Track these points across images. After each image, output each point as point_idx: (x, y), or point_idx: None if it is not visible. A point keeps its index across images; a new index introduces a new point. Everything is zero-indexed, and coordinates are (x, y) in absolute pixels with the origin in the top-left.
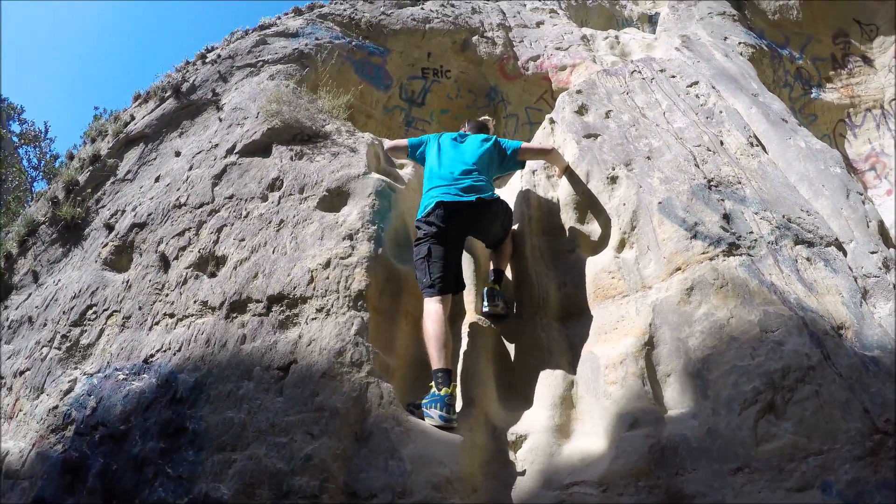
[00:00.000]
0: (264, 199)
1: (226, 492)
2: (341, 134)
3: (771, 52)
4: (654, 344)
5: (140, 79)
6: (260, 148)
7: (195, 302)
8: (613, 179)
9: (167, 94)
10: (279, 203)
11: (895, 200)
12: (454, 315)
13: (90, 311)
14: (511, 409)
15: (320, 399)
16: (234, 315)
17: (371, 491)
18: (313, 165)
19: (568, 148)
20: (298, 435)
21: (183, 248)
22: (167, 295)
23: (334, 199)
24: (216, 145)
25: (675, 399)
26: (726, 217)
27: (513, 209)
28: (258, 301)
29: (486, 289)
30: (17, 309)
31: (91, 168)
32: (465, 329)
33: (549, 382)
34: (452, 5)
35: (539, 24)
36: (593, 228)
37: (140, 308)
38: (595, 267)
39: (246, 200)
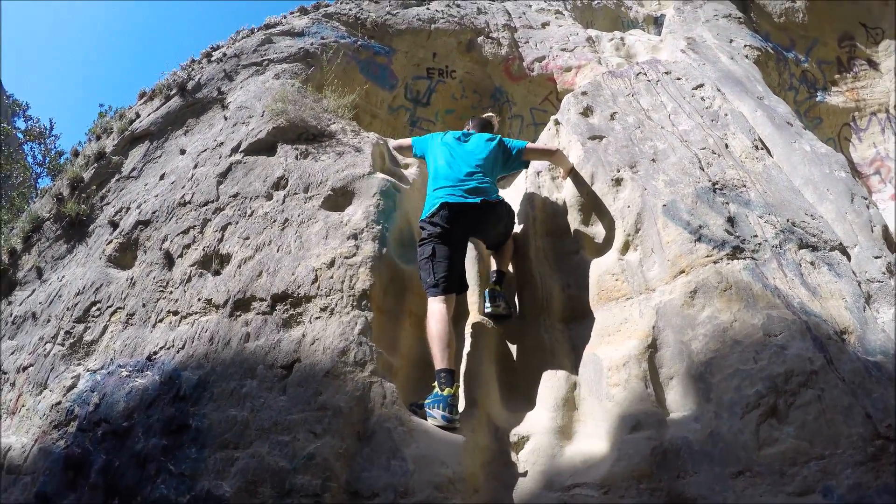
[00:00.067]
0: (269, 197)
1: (228, 489)
2: (346, 133)
3: (776, 54)
4: (658, 346)
5: (146, 76)
6: (265, 147)
7: (199, 300)
8: (618, 181)
9: (173, 92)
10: (284, 202)
11: None
12: (458, 315)
13: (94, 308)
14: (513, 410)
15: (323, 398)
16: (238, 313)
17: (373, 490)
18: (318, 165)
19: (573, 149)
20: (301, 433)
21: (187, 246)
22: (171, 292)
23: (339, 199)
24: (221, 143)
25: (678, 402)
26: (731, 220)
27: (517, 210)
28: (262, 300)
29: (487, 290)
30: (20, 305)
31: (96, 165)
32: (468, 330)
33: (551, 384)
34: (458, 5)
35: (544, 24)
36: (597, 230)
37: (144, 305)
38: (599, 269)
39: (251, 199)
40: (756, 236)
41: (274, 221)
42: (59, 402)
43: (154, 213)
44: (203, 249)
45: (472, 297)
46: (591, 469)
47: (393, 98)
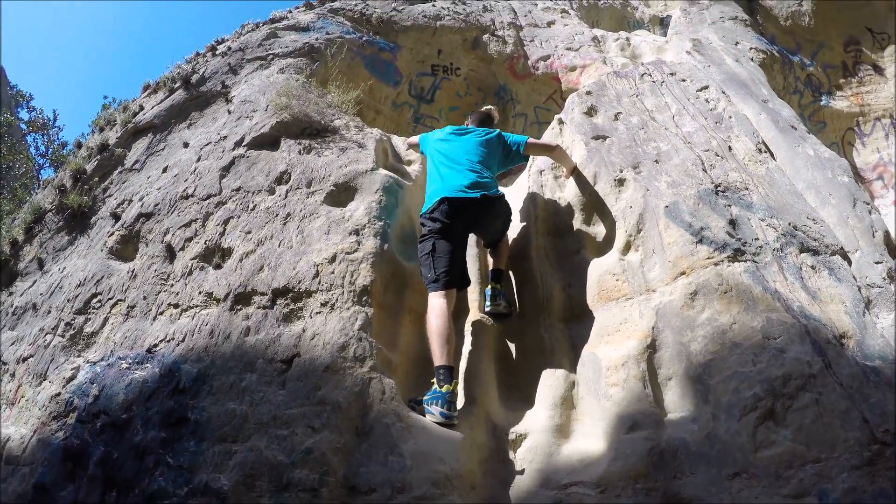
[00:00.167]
0: (271, 192)
1: (226, 483)
2: (350, 129)
3: (782, 58)
4: (657, 347)
5: (150, 69)
6: (268, 141)
7: (200, 293)
8: (621, 182)
9: (177, 85)
10: (286, 196)
11: None
12: (458, 313)
13: (95, 300)
14: (512, 408)
15: (322, 393)
16: (239, 307)
17: (370, 485)
18: (321, 160)
19: (576, 149)
20: (300, 428)
21: (189, 239)
22: (172, 285)
23: (341, 194)
24: (225, 137)
25: (676, 403)
26: (732, 223)
27: (519, 209)
28: (263, 294)
29: (488, 288)
30: (21, 296)
31: (99, 157)
32: (468, 328)
33: (550, 382)
34: (464, 3)
35: (550, 23)
36: (599, 230)
37: (145, 298)
38: (600, 269)
39: (253, 193)
40: (757, 239)
41: (276, 216)
42: (59, 394)
43: (156, 205)
44: (205, 243)
45: (473, 294)
46: (587, 468)
47: (397, 94)
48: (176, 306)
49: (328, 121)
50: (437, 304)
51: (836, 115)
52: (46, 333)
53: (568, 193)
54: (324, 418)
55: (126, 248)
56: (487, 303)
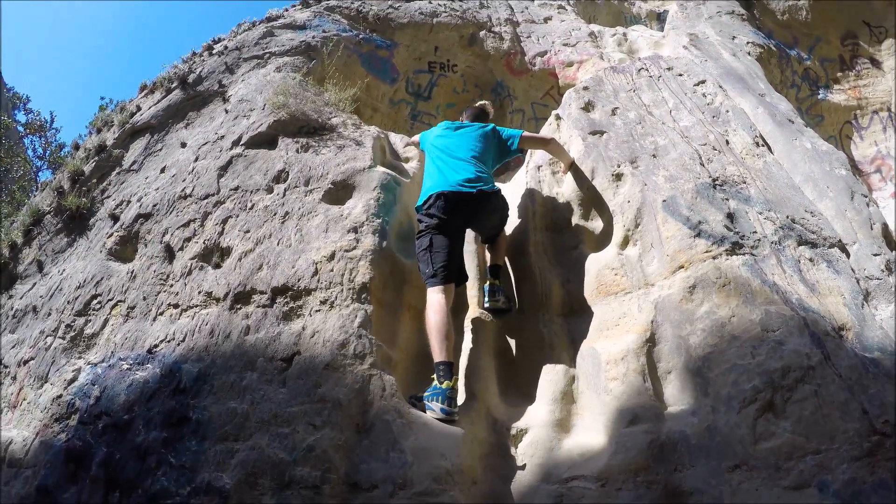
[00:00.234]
0: (270, 191)
1: (228, 481)
2: (347, 127)
3: (779, 52)
4: (656, 341)
5: (146, 69)
6: (266, 140)
7: (200, 293)
8: (618, 177)
9: (174, 85)
10: (284, 195)
11: None
12: (457, 309)
13: (95, 301)
14: (512, 404)
15: (323, 390)
16: (239, 306)
17: (372, 482)
18: (319, 158)
19: (574, 144)
20: (301, 426)
21: (188, 239)
22: (172, 286)
23: (339, 192)
24: (222, 137)
25: (676, 396)
26: (730, 216)
27: (517, 204)
28: (262, 292)
29: (487, 284)
30: (21, 298)
31: (97, 158)
32: (467, 324)
33: (550, 377)
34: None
35: (547, 19)
36: (597, 225)
37: (145, 298)
38: (598, 263)
39: (251, 192)
40: (755, 232)
41: (274, 214)
42: (60, 396)
43: (155, 206)
44: (204, 242)
45: (472, 290)
46: (588, 462)
47: (394, 92)
48: (176, 306)
49: (325, 119)
50: (435, 299)
51: (834, 109)
52: (47, 336)
53: (566, 189)
54: (325, 416)
55: (125, 249)
56: (486, 299)
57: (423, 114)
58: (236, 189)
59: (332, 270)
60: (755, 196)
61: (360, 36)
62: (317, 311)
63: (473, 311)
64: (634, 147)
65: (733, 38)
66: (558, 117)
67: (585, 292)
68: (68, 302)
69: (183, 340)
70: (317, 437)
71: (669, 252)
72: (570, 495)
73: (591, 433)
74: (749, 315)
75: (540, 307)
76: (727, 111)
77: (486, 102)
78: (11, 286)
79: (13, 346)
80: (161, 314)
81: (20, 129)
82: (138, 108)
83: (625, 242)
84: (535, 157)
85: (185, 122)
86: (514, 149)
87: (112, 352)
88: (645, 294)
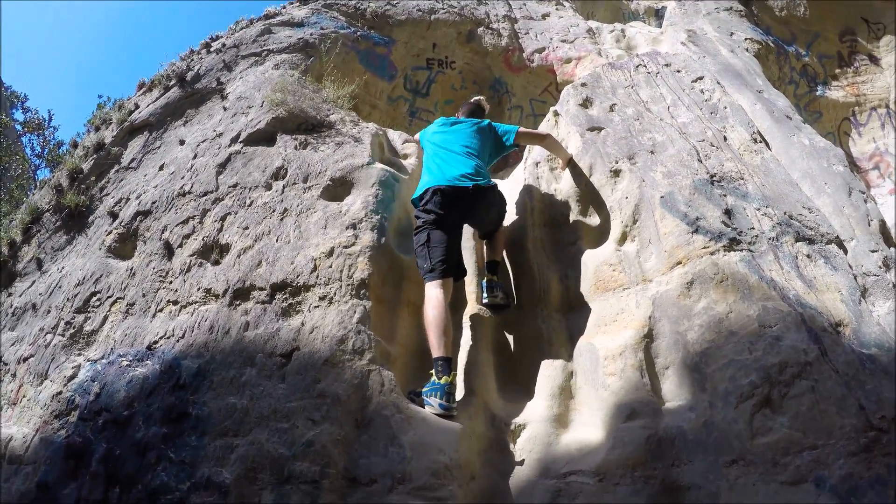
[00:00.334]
0: (268, 187)
1: (228, 476)
2: (345, 124)
3: (777, 48)
4: (654, 336)
5: (144, 68)
6: (264, 137)
7: (199, 289)
8: (616, 173)
9: (171, 83)
10: (283, 192)
11: None
12: (456, 305)
13: (94, 299)
14: (510, 399)
15: (322, 386)
16: (238, 302)
17: (371, 476)
18: (317, 155)
19: (572, 141)
20: (300, 421)
21: (187, 236)
22: (171, 282)
23: (338, 189)
24: (220, 134)
25: (673, 391)
26: (728, 212)
27: (515, 200)
28: (261, 289)
29: (485, 280)
30: (20, 296)
31: (95, 156)
32: (466, 320)
33: (548, 373)
34: None
35: (545, 16)
36: (595, 221)
37: (144, 295)
38: (596, 259)
39: (250, 189)
40: (753, 228)
41: (273, 211)
42: (60, 392)
43: (154, 203)
44: (202, 239)
45: (470, 286)
46: (586, 457)
47: (392, 88)
48: (175, 303)
49: (324, 116)
50: (433, 294)
51: (832, 105)
52: (46, 333)
53: (564, 185)
54: (324, 411)
55: (124, 246)
56: (485, 294)
57: (422, 110)
58: (235, 186)
59: (330, 267)
60: (753, 192)
61: (358, 33)
62: (316, 307)
63: (472, 306)
64: (632, 143)
65: (731, 34)
66: (556, 114)
67: (583, 288)
68: (68, 299)
69: (182, 337)
70: (316, 432)
71: (667, 248)
72: (568, 490)
73: (589, 428)
74: (746, 311)
75: (538, 303)
76: (725, 107)
77: (482, 98)
78: (11, 284)
79: (13, 344)
80: (160, 311)
81: (18, 127)
82: (136, 106)
83: (623, 238)
84: (534, 153)
85: (184, 119)
86: (510, 144)
87: (112, 348)
88: (643, 290)
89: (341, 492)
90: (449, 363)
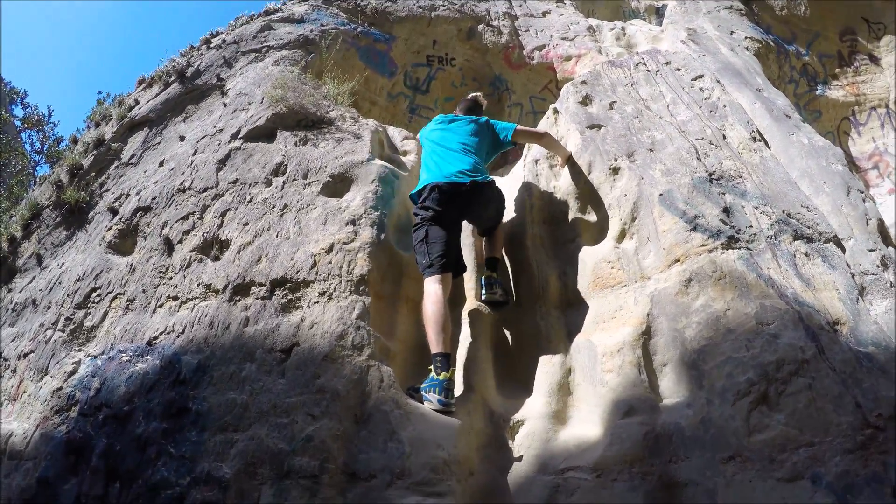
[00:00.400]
0: (268, 184)
1: (228, 471)
2: (345, 120)
3: (777, 47)
4: (652, 334)
5: (144, 63)
6: (264, 133)
7: (199, 285)
8: (615, 170)
9: (172, 79)
10: (283, 188)
11: None
12: (455, 301)
13: (94, 294)
14: (509, 395)
15: (321, 381)
16: (238, 298)
17: (370, 471)
18: (317, 151)
19: (571, 138)
20: (299, 416)
21: (187, 232)
22: (171, 278)
23: (338, 185)
24: (221, 130)
25: (671, 388)
26: (726, 210)
27: (514, 197)
28: (261, 285)
29: (484, 277)
30: (20, 292)
31: (95, 152)
32: (465, 316)
33: (546, 369)
34: None
35: (545, 13)
36: (594, 218)
37: (144, 291)
38: (595, 257)
39: (250, 185)
40: (751, 227)
41: (273, 207)
42: (61, 388)
43: (154, 199)
44: (202, 235)
45: (469, 283)
46: (584, 453)
47: (392, 85)
48: (175, 298)
49: (324, 112)
50: (432, 290)
51: (832, 105)
52: (47, 329)
53: (563, 182)
54: (323, 406)
55: (124, 242)
56: (484, 291)
57: (422, 107)
58: (235, 182)
59: (330, 263)
60: (751, 191)
61: (359, 29)
62: (315, 302)
63: (471, 303)
64: (632, 141)
65: (731, 32)
66: (556, 111)
67: (582, 285)
68: (68, 295)
69: (182, 332)
70: (315, 427)
71: (666, 245)
72: (565, 486)
73: (587, 425)
74: (744, 308)
75: (537, 300)
76: (724, 106)
77: (479, 94)
78: (11, 280)
79: (13, 340)
80: (160, 306)
81: (18, 123)
82: (136, 102)
83: (621, 236)
84: (534, 150)
85: (184, 115)
86: (508, 142)
87: (112, 344)
88: (641, 287)
89: (340, 486)
90: (448, 359)
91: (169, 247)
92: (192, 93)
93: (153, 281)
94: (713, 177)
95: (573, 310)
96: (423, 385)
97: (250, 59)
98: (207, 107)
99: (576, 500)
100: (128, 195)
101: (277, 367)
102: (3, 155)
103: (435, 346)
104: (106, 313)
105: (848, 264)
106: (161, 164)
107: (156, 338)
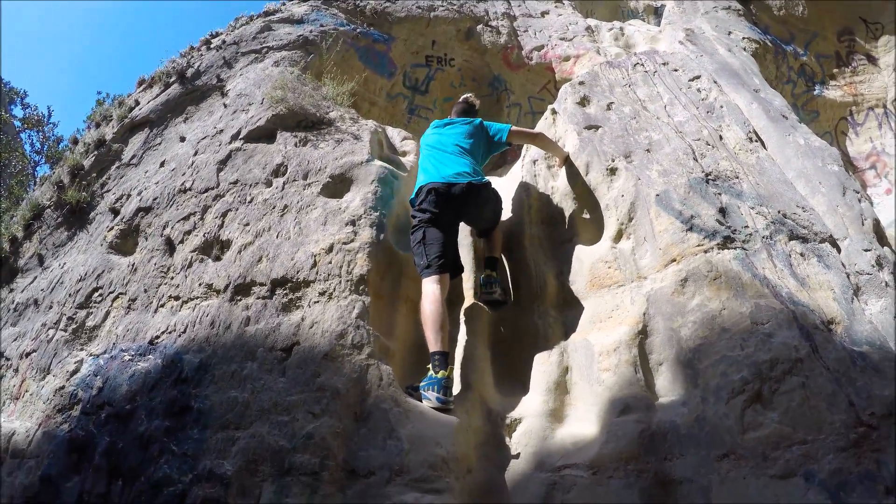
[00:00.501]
0: (269, 184)
1: (229, 468)
2: (345, 121)
3: (775, 47)
4: (648, 333)
5: (144, 64)
6: (265, 134)
7: (200, 285)
8: (613, 171)
9: (172, 80)
10: (283, 189)
11: (895, 199)
12: (453, 301)
13: (96, 294)
14: (507, 394)
15: (322, 380)
16: (239, 298)
17: (369, 469)
18: (317, 152)
19: (569, 138)
20: (300, 414)
21: (188, 232)
22: (172, 278)
23: (338, 186)
24: (221, 131)
25: (666, 387)
26: (722, 211)
27: (512, 198)
28: (262, 284)
29: (482, 276)
30: (22, 292)
31: (96, 153)
32: (463, 315)
33: (544, 368)
34: None
35: (544, 13)
36: (591, 219)
37: (145, 291)
38: (592, 256)
39: (250, 186)
40: (747, 227)
41: (273, 208)
42: (63, 387)
43: (155, 199)
44: (204, 235)
45: (468, 283)
46: (580, 451)
47: (391, 86)
48: (177, 298)
49: (323, 113)
50: (430, 290)
51: (830, 105)
52: (49, 328)
53: (561, 183)
54: (323, 404)
55: (126, 242)
56: (482, 290)
57: (421, 108)
58: (235, 183)
59: (330, 262)
60: (747, 191)
61: (358, 30)
62: (315, 302)
63: (469, 302)
64: (629, 142)
65: (729, 33)
66: (554, 112)
67: (579, 285)
68: (69, 295)
69: (184, 331)
70: (316, 424)
71: (662, 245)
72: (562, 483)
73: (583, 423)
74: (739, 308)
75: (535, 299)
76: (721, 106)
77: (471, 94)
78: (12, 280)
79: (15, 339)
80: (162, 306)
81: (17, 123)
82: (137, 103)
83: (618, 236)
84: (532, 151)
85: (184, 116)
86: (503, 143)
87: (114, 343)
88: (637, 287)
89: (340, 483)
90: (446, 358)
91: (170, 247)
92: (192, 93)
93: (155, 281)
94: (709, 177)
95: (570, 309)
96: (421, 383)
97: (250, 60)
98: (208, 107)
99: (572, 497)
100: (129, 196)
101: (278, 366)
102: (3, 155)
103: (433, 345)
104: (108, 313)
105: (843, 264)
106: (162, 164)
107: (158, 337)
